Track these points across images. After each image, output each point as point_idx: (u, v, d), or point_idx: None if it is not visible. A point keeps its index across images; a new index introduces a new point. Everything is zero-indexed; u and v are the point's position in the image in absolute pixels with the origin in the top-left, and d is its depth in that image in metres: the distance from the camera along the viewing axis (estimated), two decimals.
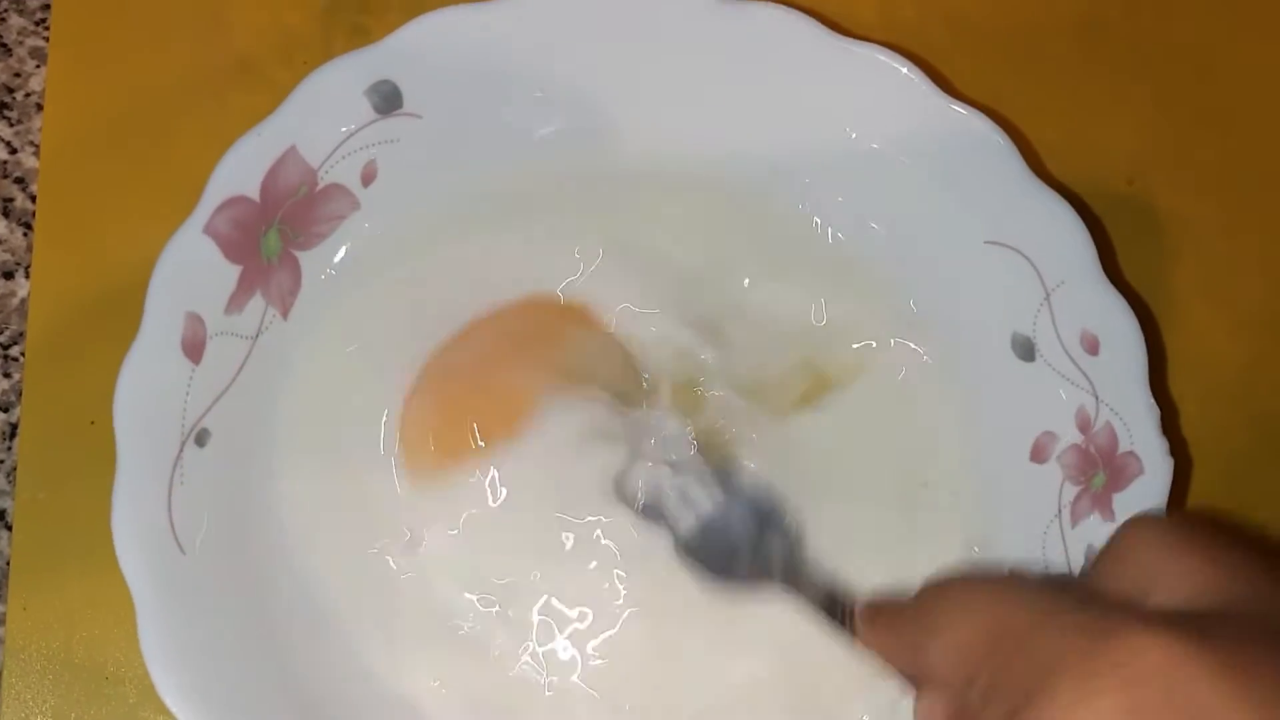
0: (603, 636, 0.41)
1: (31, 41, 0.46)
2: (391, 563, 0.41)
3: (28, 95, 0.45)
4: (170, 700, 0.34)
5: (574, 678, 0.41)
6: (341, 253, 0.42)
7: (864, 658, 0.34)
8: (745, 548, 0.40)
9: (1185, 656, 0.24)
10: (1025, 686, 0.25)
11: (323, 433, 0.41)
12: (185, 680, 0.35)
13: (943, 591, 0.31)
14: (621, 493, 0.41)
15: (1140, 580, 0.29)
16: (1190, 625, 0.25)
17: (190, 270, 0.38)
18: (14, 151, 0.44)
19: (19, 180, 0.44)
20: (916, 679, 0.32)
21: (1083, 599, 0.28)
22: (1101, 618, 0.26)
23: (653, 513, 0.41)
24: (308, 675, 0.38)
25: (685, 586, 0.40)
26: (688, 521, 0.40)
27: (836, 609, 0.37)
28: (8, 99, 0.45)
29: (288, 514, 0.40)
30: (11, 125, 0.44)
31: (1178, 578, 0.28)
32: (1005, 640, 0.27)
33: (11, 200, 0.44)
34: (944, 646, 0.29)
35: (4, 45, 0.45)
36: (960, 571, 0.32)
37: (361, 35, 0.46)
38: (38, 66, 0.45)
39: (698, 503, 0.41)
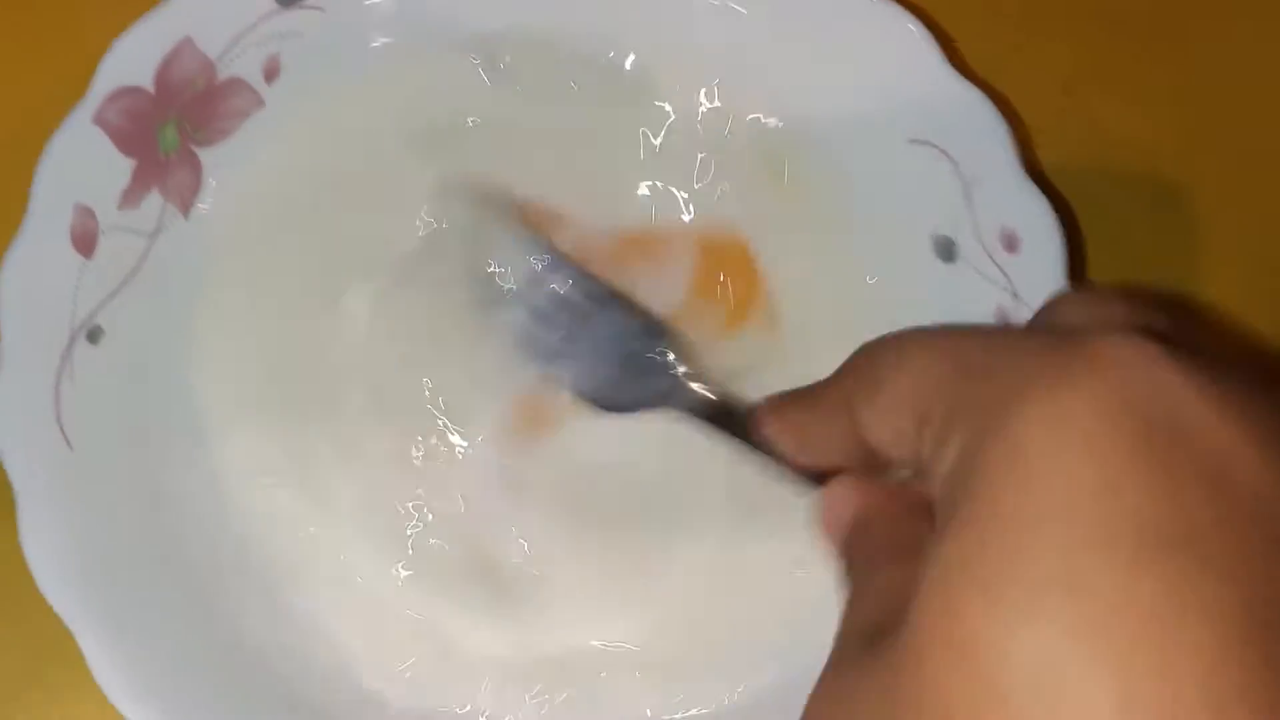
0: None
1: None
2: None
3: None
4: (46, 587, 0.33)
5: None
6: (246, 151, 0.41)
7: (764, 464, 0.33)
8: (632, 373, 0.39)
9: (1161, 355, 0.23)
10: (990, 408, 0.23)
11: (229, 335, 0.40)
12: (65, 570, 0.34)
13: (878, 347, 0.28)
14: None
15: (1075, 316, 0.27)
16: (1145, 330, 0.24)
17: (80, 161, 0.37)
18: None
19: None
20: (827, 469, 0.30)
21: (1028, 331, 0.26)
22: (1069, 333, 0.24)
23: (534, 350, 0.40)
24: (201, 568, 0.37)
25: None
26: (566, 356, 0.39)
27: (733, 422, 0.35)
28: None
29: (191, 417, 0.39)
30: None
31: (1110, 309, 0.27)
32: (961, 373, 0.25)
33: None
34: (887, 398, 0.27)
35: None
36: (895, 332, 0.29)
37: None
38: None
39: (574, 335, 0.40)
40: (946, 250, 0.41)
